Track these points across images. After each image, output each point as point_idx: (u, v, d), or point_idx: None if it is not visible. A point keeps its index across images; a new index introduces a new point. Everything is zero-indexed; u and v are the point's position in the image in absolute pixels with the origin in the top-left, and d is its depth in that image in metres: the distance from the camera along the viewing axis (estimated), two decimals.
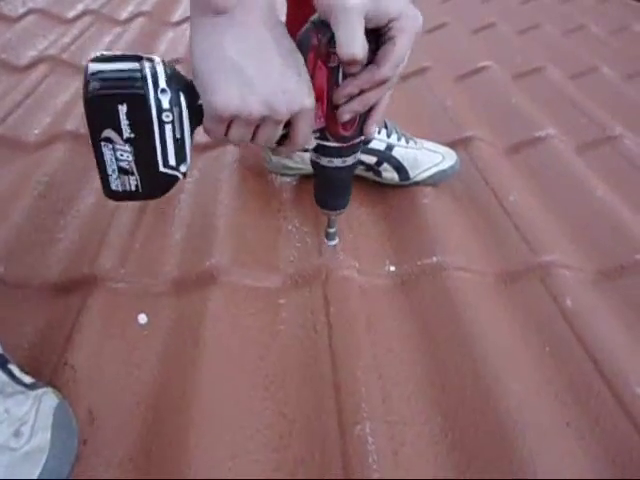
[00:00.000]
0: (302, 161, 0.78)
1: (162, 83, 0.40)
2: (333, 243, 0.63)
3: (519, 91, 1.11)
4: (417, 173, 0.77)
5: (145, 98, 0.39)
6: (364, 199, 0.78)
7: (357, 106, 0.45)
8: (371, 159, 0.76)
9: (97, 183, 0.78)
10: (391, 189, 0.79)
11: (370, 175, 0.79)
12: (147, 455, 0.46)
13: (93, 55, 0.40)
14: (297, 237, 0.70)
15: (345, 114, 0.45)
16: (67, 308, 0.58)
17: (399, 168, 0.77)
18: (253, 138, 0.44)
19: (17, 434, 0.43)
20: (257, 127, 0.43)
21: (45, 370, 0.51)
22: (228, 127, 0.42)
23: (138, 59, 0.40)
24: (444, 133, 0.95)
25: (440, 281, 0.63)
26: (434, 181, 0.78)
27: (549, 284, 0.63)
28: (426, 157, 0.78)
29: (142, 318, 0.58)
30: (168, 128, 0.41)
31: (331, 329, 0.56)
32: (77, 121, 0.88)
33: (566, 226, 0.74)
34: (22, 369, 0.48)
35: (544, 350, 0.57)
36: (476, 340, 0.55)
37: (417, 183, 0.78)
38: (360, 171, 0.78)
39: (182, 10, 1.50)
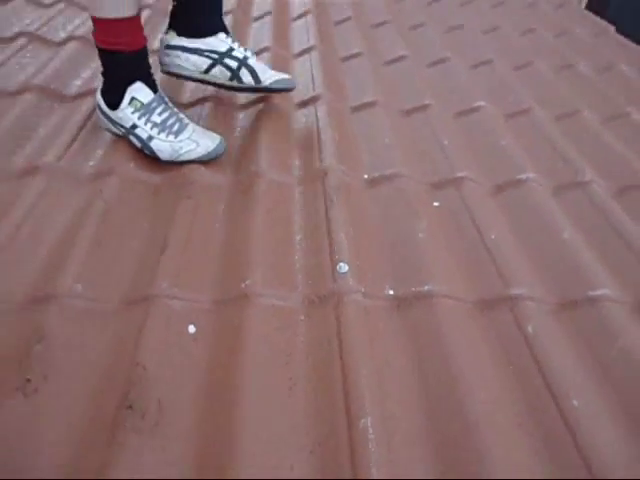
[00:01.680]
0: (186, 60, 1.13)
1: None
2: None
3: (508, 132, 1.26)
4: (265, 78, 1.16)
5: None
6: (368, 231, 0.94)
7: None
8: (233, 63, 1.14)
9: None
10: (390, 223, 0.95)
11: (235, 84, 1.16)
12: (202, 433, 0.62)
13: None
14: (313, 263, 0.85)
15: None
16: (132, 321, 0.73)
17: (253, 73, 1.15)
18: None
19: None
20: None
21: (120, 369, 0.66)
22: None
23: None
24: (440, 171, 1.10)
25: (429, 306, 0.79)
26: (278, 86, 1.18)
27: (516, 313, 0.78)
28: (269, 69, 1.19)
29: (191, 328, 0.73)
30: None
31: (341, 343, 0.72)
32: None
33: (535, 262, 0.90)
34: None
35: (508, 368, 0.72)
36: (454, 357, 0.71)
37: (267, 89, 1.18)
38: (226, 80, 1.16)
39: None
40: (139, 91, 1.02)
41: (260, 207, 0.94)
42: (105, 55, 1.01)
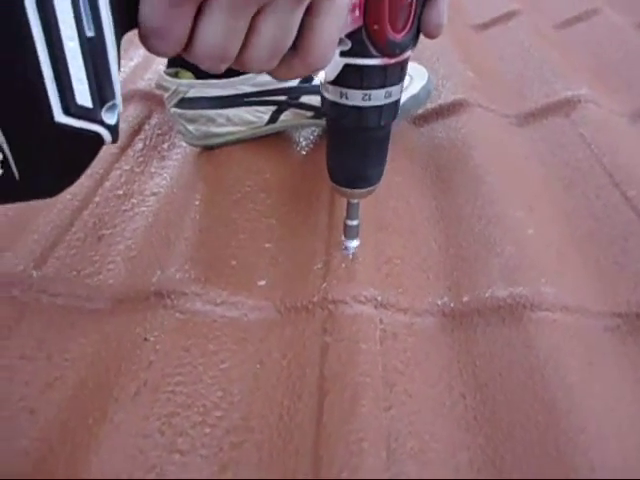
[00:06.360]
0: (228, 120, 0.56)
1: None
2: (354, 245, 0.42)
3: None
4: None
5: None
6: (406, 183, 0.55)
7: None
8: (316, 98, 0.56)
9: None
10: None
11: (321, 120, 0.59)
12: None
13: None
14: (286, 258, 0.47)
15: None
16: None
17: None
18: (248, 41, 0.22)
19: None
20: (255, 15, 0.22)
21: None
22: (196, 18, 0.21)
23: None
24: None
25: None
26: (408, 110, 0.60)
27: None
28: None
29: None
30: (68, 28, 0.18)
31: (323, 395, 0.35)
32: None
33: None
34: None
35: None
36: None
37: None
38: (307, 119, 0.59)
39: None
40: None
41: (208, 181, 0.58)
42: None
